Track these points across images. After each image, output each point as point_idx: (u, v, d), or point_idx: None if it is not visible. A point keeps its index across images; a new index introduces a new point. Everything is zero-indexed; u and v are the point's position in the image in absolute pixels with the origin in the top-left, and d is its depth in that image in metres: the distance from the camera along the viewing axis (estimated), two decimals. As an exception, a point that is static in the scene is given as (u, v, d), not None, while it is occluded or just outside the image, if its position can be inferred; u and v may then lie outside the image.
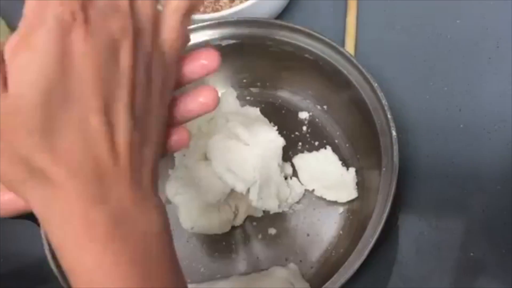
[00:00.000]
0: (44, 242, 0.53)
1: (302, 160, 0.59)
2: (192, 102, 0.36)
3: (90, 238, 0.30)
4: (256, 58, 0.61)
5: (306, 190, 0.59)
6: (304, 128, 0.62)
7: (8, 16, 0.78)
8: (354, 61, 0.55)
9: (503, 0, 0.65)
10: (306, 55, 0.58)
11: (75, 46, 0.29)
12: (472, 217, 0.57)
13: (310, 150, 0.60)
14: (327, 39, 0.56)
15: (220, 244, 0.58)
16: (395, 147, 0.50)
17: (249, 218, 0.59)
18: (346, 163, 0.59)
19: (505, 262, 0.54)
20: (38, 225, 0.54)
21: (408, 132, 0.60)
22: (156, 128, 0.33)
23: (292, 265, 0.55)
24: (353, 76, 0.55)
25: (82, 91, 0.29)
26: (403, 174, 0.54)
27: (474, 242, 0.55)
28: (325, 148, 0.60)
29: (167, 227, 0.33)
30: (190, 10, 0.34)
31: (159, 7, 0.33)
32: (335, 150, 0.60)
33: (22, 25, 0.29)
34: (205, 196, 0.56)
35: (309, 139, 0.62)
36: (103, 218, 0.30)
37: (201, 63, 0.36)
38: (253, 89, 0.65)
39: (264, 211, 0.58)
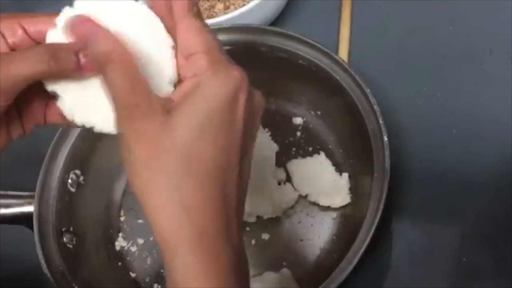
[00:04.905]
0: (38, 247, 0.53)
1: (296, 166, 0.60)
2: None
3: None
4: (249, 64, 0.61)
5: (299, 196, 0.59)
6: (298, 133, 0.63)
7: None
8: (347, 67, 0.55)
9: (496, 7, 0.65)
10: (300, 61, 0.58)
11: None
12: (465, 222, 0.57)
13: (303, 156, 0.61)
14: (320, 46, 0.57)
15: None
16: (387, 152, 0.50)
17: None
18: (339, 169, 0.59)
19: (497, 268, 0.54)
20: (33, 230, 0.54)
21: (401, 137, 0.60)
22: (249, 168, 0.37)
23: (285, 270, 0.55)
24: (346, 82, 0.55)
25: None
26: (397, 179, 0.54)
27: (467, 247, 0.56)
28: (319, 153, 0.60)
29: None
30: None
31: None
32: (329, 155, 0.60)
33: None
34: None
35: (302, 145, 0.62)
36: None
37: None
38: (247, 95, 0.65)
39: (257, 217, 0.58)
